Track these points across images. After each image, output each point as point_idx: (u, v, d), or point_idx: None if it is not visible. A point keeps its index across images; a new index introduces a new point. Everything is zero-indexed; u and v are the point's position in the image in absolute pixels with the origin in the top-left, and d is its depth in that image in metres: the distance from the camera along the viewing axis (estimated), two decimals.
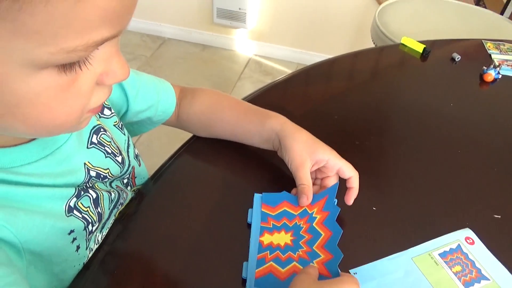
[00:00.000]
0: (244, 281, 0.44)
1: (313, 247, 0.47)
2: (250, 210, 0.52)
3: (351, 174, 0.52)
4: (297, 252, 0.47)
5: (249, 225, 0.50)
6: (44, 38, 0.25)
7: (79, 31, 0.26)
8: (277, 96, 0.75)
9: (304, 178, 0.51)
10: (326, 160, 0.52)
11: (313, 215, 0.51)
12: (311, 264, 0.46)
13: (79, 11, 0.25)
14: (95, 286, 0.43)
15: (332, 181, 0.54)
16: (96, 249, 0.47)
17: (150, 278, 0.44)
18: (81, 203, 0.43)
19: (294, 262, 0.46)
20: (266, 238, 0.48)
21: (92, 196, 0.44)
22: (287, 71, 2.14)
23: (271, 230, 0.49)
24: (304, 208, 0.51)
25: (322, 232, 0.49)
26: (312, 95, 0.76)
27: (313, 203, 0.52)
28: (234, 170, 0.58)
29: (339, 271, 0.44)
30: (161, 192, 0.55)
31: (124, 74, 0.33)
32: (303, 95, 0.77)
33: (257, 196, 0.53)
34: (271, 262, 0.46)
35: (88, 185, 0.45)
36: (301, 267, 0.45)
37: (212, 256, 0.47)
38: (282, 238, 0.48)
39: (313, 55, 2.14)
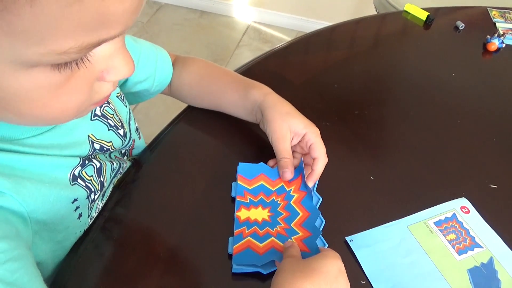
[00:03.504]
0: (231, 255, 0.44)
1: (291, 225, 0.47)
2: (233, 183, 0.51)
3: (319, 156, 0.49)
4: (275, 228, 0.46)
5: (233, 199, 0.49)
6: (32, 38, 0.24)
7: (70, 34, 0.24)
8: (276, 65, 0.74)
9: (285, 151, 0.49)
10: (304, 134, 0.50)
11: (291, 193, 0.50)
12: (289, 240, 0.45)
13: (70, 13, 0.23)
14: (98, 251, 0.44)
15: (315, 148, 0.50)
16: (97, 215, 0.47)
17: (149, 243, 0.45)
18: (85, 172, 0.43)
19: (272, 238, 0.45)
20: (243, 213, 0.47)
21: (95, 165, 0.44)
22: (287, 38, 2.10)
23: (248, 205, 0.48)
24: (281, 184, 0.51)
25: (299, 212, 0.48)
26: (311, 64, 0.75)
27: (290, 181, 0.51)
28: (230, 139, 0.58)
29: (318, 246, 0.44)
30: (158, 161, 0.54)
31: (128, 71, 0.32)
32: (302, 64, 0.75)
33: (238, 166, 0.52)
34: (249, 238, 0.45)
35: (91, 156, 0.45)
36: (280, 243, 0.45)
37: (207, 226, 0.48)
38: (260, 214, 0.47)
39: (313, 22, 2.09)
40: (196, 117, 0.60)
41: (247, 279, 0.43)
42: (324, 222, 0.47)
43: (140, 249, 0.44)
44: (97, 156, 0.46)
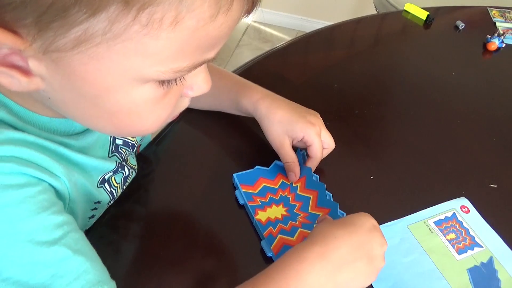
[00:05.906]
0: (267, 258, 0.44)
1: (309, 211, 0.49)
2: (237, 192, 0.50)
3: (315, 156, 0.52)
4: (297, 219, 0.48)
5: (242, 206, 0.49)
6: (160, 59, 0.27)
7: (189, 55, 0.28)
8: (276, 64, 0.74)
9: (288, 156, 0.51)
10: (302, 137, 0.51)
11: (293, 185, 0.51)
12: (319, 217, 0.45)
13: (197, 38, 0.27)
14: (98, 249, 0.44)
15: (313, 149, 0.52)
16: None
17: (149, 243, 0.45)
18: (114, 178, 0.43)
19: (299, 229, 0.47)
20: (262, 216, 0.48)
21: (124, 173, 0.45)
22: (287, 38, 2.10)
23: (262, 206, 0.49)
24: (281, 181, 0.52)
25: (309, 195, 0.50)
26: (311, 63, 0.75)
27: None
28: (230, 138, 0.58)
29: (344, 213, 0.48)
30: (158, 160, 0.54)
31: (208, 87, 0.35)
32: (302, 63, 0.75)
33: (234, 177, 0.51)
34: (280, 235, 0.46)
35: (125, 163, 0.45)
36: (308, 231, 0.46)
37: (209, 225, 0.48)
38: (277, 211, 0.48)
39: (314, 22, 2.09)
40: (197, 116, 0.60)
41: None
42: (331, 195, 0.50)
43: (141, 249, 0.45)
44: (127, 161, 0.46)
